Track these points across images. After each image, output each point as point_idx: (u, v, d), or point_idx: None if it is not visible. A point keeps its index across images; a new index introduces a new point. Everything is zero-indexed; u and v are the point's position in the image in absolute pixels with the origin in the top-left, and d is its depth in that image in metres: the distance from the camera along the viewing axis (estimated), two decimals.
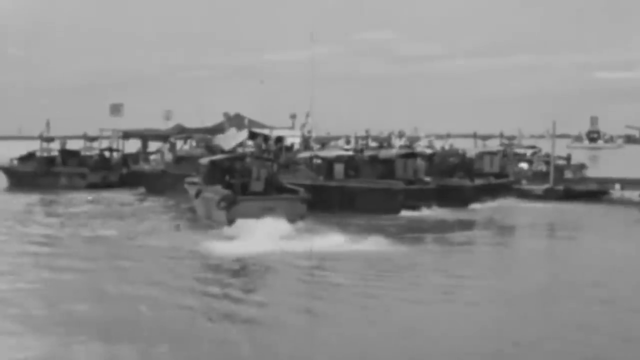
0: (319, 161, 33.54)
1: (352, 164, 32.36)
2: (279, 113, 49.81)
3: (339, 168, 31.75)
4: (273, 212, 23.99)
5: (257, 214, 23.77)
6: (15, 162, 47.43)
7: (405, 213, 28.90)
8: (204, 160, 29.86)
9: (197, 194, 27.49)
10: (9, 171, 47.10)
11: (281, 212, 24.09)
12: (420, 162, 32.37)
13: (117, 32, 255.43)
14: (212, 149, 37.98)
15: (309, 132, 42.86)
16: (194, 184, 29.36)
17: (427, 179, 32.06)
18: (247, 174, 26.51)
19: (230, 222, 24.03)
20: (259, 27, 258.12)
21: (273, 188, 26.55)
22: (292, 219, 23.79)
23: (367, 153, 34.97)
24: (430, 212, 29.41)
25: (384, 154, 33.64)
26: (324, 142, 42.21)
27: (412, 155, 33.47)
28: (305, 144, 42.73)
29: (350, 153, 35.40)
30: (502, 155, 38.29)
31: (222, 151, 33.68)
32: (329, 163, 32.32)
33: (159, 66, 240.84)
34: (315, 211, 25.41)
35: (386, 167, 31.67)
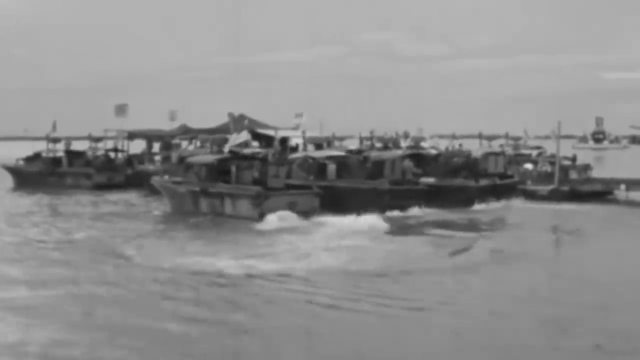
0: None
1: (344, 165, 32.84)
2: (283, 113, 49.82)
3: (331, 168, 32.35)
4: (295, 206, 27.30)
5: (283, 208, 26.96)
6: (22, 162, 47.68)
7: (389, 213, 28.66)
8: (202, 159, 31.49)
9: (203, 192, 29.25)
10: (15, 171, 47.34)
11: (302, 206, 27.42)
12: (408, 163, 32.61)
13: (122, 33, 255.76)
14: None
15: (303, 132, 42.88)
16: (178, 183, 31.29)
17: (431, 179, 32.48)
18: (264, 173, 29.64)
19: (261, 216, 26.65)
20: (263, 28, 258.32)
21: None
22: (310, 212, 27.09)
23: (371, 153, 35.26)
24: (418, 212, 29.34)
25: (374, 155, 34.16)
26: (318, 142, 42.34)
27: (413, 156, 33.82)
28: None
29: (342, 154, 35.72)
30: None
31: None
32: (321, 163, 32.87)
33: (164, 67, 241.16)
34: None
35: (375, 167, 32.09)
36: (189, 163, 31.80)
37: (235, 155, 31.99)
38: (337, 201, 28.60)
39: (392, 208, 29.12)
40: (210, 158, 31.67)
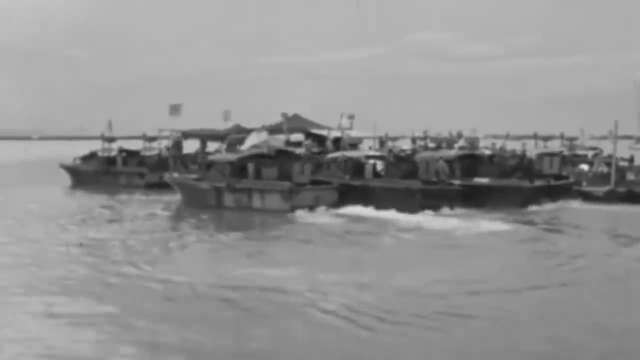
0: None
1: (381, 165, 34.18)
2: (335, 113, 49.64)
3: (368, 168, 33.57)
4: (320, 200, 30.40)
5: (310, 202, 30.07)
6: (78, 161, 48.48)
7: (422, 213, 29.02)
8: (225, 158, 33.81)
9: (230, 188, 31.62)
10: (72, 170, 48.16)
11: (324, 200, 30.52)
12: (442, 164, 32.58)
13: (177, 34, 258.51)
14: None
15: (343, 131, 42.91)
16: (198, 179, 33.43)
17: (484, 179, 32.68)
18: (287, 169, 31.37)
19: (293, 209, 29.41)
20: (315, 28, 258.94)
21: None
22: (331, 205, 30.25)
23: (423, 154, 35.63)
24: (450, 212, 29.35)
25: (418, 156, 34.94)
26: (353, 143, 42.78)
27: (467, 156, 34.37)
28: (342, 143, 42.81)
29: (379, 154, 36.72)
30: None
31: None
32: (358, 163, 34.01)
33: (219, 67, 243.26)
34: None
35: (409, 168, 33.24)
36: (209, 161, 34.13)
37: (257, 153, 33.14)
38: (370, 200, 30.17)
39: (424, 208, 29.48)
40: (233, 156, 33.58)
